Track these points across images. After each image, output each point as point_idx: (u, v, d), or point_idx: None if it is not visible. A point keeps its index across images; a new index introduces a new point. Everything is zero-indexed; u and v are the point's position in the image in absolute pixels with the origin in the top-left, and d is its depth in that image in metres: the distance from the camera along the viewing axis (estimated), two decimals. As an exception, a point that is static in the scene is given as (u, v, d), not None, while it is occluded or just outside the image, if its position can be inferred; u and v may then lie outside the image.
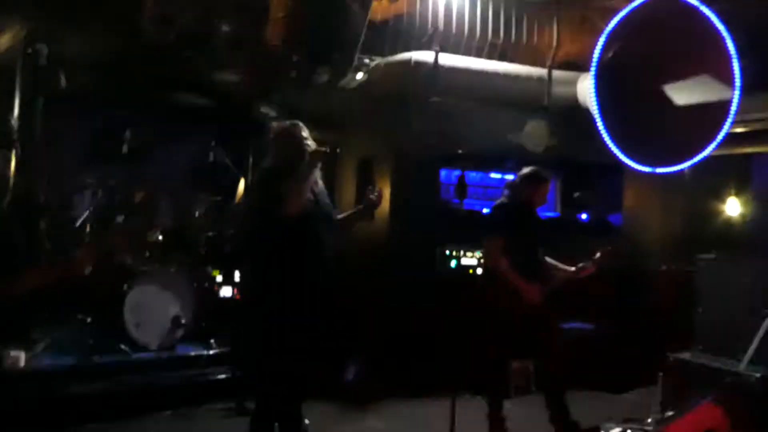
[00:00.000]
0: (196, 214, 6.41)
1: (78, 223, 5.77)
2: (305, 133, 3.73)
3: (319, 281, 3.59)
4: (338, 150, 3.69)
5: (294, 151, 3.62)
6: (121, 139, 5.88)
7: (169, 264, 6.01)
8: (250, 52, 5.47)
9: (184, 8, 5.10)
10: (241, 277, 6.16)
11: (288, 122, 3.81)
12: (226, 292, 6.52)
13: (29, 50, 5.12)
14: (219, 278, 6.51)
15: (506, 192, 4.91)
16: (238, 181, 6.76)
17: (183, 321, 5.61)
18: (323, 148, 3.61)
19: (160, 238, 6.01)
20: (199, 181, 6.57)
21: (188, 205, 6.49)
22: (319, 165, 3.60)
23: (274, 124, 3.86)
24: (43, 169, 5.46)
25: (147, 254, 5.98)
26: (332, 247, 3.67)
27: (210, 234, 6.39)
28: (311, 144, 3.67)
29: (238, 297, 6.54)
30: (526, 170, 4.78)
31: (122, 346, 5.38)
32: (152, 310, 5.51)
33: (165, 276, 5.82)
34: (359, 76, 6.00)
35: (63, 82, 5.35)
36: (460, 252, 6.09)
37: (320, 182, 3.74)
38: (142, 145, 6.08)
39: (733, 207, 7.08)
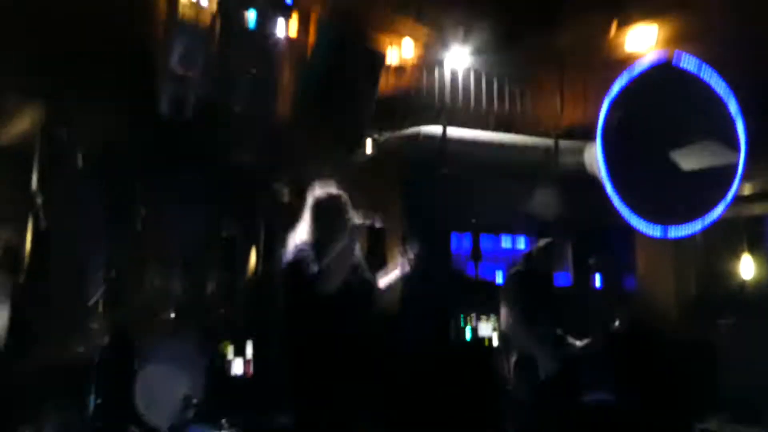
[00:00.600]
0: (209, 288, 6.40)
1: (91, 302, 5.75)
2: (348, 202, 3.41)
3: (364, 355, 3.38)
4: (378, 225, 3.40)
5: (336, 223, 3.33)
6: (134, 216, 5.93)
7: (180, 340, 5.95)
8: (263, 128, 5.58)
9: (199, 87, 5.23)
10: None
11: (331, 189, 3.45)
12: (237, 368, 6.45)
13: (48, 131, 5.23)
14: (230, 355, 6.46)
15: (522, 261, 4.91)
16: (250, 255, 6.79)
17: (194, 401, 5.51)
18: (369, 222, 3.33)
19: (172, 315, 5.97)
20: (211, 256, 6.59)
21: (201, 279, 6.48)
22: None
23: (317, 190, 3.44)
24: (58, 246, 5.49)
25: (158, 331, 5.93)
26: (375, 319, 3.49)
27: (222, 309, 6.37)
28: (352, 215, 3.35)
29: (249, 375, 6.47)
30: (541, 242, 4.80)
31: (132, 428, 5.27)
32: (163, 390, 5.42)
33: (176, 353, 5.74)
34: (370, 149, 6.09)
35: (80, 161, 5.45)
36: (474, 320, 6.05)
37: (359, 253, 3.42)
38: (156, 221, 6.12)
39: (747, 269, 7.02)
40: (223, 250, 6.63)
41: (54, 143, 5.37)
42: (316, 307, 3.23)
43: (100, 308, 5.62)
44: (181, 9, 5.76)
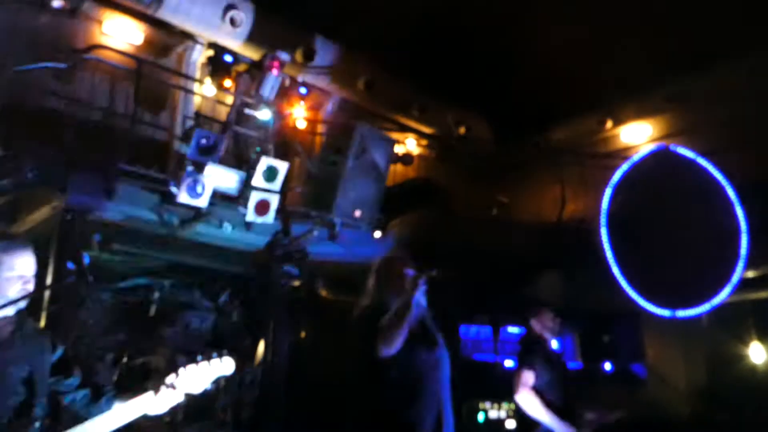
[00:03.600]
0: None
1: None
2: (409, 264, 3.35)
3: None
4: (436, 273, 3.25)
5: (393, 283, 3.28)
6: (147, 302, 5.98)
7: (189, 427, 5.86)
8: (275, 214, 5.73)
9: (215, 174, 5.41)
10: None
11: (391, 254, 3.52)
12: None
13: (67, 218, 5.35)
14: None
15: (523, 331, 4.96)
16: (258, 343, 6.77)
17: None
18: (429, 272, 3.19)
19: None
20: (220, 344, 6.57)
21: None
22: (423, 291, 3.22)
23: (378, 259, 3.47)
24: (71, 334, 5.50)
25: (167, 419, 5.84)
26: (448, 379, 3.27)
27: (230, 398, 6.30)
28: (414, 277, 3.23)
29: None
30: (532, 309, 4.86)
31: None
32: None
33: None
34: (377, 233, 6.22)
35: (96, 248, 5.55)
36: (485, 404, 5.98)
37: (428, 314, 3.36)
38: (167, 308, 6.17)
39: (756, 353, 7.00)
40: (231, 336, 6.63)
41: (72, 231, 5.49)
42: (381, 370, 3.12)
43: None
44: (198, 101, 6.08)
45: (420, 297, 3.26)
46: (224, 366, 2.77)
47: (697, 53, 7.07)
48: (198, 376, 2.71)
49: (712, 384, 6.81)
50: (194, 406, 6.08)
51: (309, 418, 6.25)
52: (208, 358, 2.73)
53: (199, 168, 5.32)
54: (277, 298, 6.75)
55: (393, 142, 5.99)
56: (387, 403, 3.15)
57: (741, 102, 7.26)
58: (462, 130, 7.98)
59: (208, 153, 5.39)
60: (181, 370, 2.67)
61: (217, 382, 5.96)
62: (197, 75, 6.37)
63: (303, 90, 5.83)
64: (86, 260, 5.05)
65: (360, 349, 3.20)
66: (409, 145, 7.55)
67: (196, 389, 2.72)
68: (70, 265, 5.00)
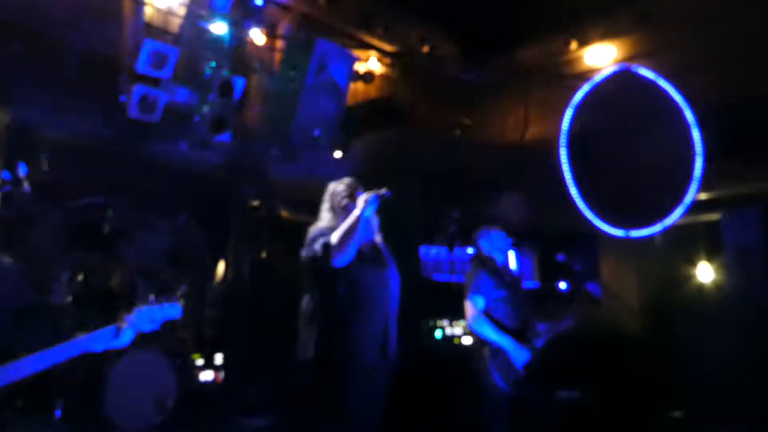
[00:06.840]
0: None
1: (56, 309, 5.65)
2: (358, 186, 3.59)
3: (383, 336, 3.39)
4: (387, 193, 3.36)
5: (340, 202, 3.53)
6: (101, 220, 5.88)
7: (149, 346, 5.87)
8: (232, 132, 5.60)
9: (167, 88, 5.23)
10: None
11: (344, 179, 3.69)
12: (206, 376, 6.41)
13: (12, 133, 5.16)
14: (199, 362, 6.41)
15: (473, 252, 5.01)
16: (218, 262, 6.75)
17: (166, 404, 5.44)
18: (380, 192, 3.34)
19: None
20: (179, 263, 6.55)
21: (168, 286, 6.42)
22: (373, 211, 3.39)
23: (332, 183, 3.71)
24: (23, 252, 5.40)
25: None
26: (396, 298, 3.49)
27: (190, 316, 6.33)
28: (363, 196, 3.41)
29: (219, 381, 6.44)
30: (480, 229, 4.89)
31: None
32: (134, 393, 5.34)
33: (146, 358, 5.67)
34: (338, 153, 6.15)
35: (45, 165, 5.38)
36: (443, 322, 6.13)
37: (378, 235, 3.56)
38: (123, 227, 6.08)
39: (704, 273, 7.23)
40: (191, 255, 6.59)
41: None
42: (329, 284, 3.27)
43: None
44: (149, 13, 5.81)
45: (370, 216, 3.43)
46: (173, 310, 2.83)
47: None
48: (149, 316, 2.75)
49: (662, 302, 7.04)
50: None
51: (270, 336, 6.33)
52: (160, 301, 2.79)
53: (150, 82, 5.13)
54: (237, 218, 6.73)
55: (354, 59, 5.85)
56: (335, 316, 3.30)
57: (711, 24, 7.19)
58: (426, 48, 7.80)
59: (159, 66, 5.19)
60: (135, 309, 2.73)
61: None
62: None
63: (259, 1, 5.59)
64: (23, 170, 4.91)
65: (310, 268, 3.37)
66: (371, 63, 7.36)
67: (147, 328, 2.75)
68: (6, 176, 4.87)
